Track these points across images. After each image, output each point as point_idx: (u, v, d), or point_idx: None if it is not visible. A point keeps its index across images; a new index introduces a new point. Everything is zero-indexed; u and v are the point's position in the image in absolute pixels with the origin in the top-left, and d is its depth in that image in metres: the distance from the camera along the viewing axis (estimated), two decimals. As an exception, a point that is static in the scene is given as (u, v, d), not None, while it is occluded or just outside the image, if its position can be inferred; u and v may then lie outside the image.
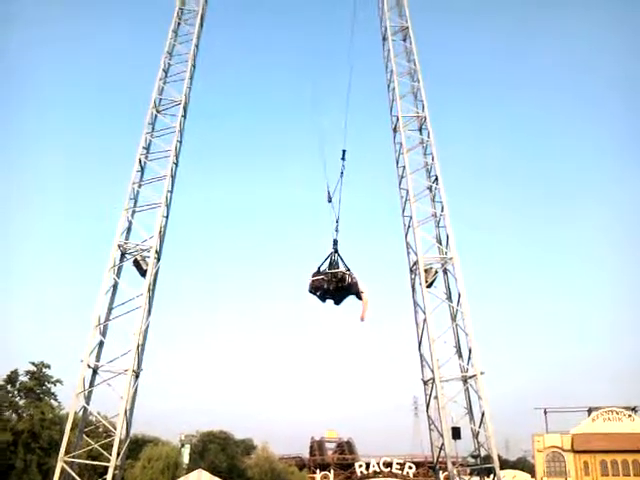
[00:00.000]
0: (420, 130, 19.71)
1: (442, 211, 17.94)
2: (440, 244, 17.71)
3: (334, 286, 8.86)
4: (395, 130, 19.85)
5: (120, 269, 17.31)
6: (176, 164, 19.17)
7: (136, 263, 17.14)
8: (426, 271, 16.84)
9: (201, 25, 22.06)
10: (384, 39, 21.72)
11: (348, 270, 9.06)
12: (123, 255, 17.54)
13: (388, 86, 20.84)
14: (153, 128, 19.74)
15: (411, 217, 17.94)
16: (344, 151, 11.13)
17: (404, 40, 21.58)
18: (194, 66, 21.18)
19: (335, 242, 9.75)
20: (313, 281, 8.98)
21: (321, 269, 9.23)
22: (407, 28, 21.55)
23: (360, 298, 8.89)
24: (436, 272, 17.08)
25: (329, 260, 9.34)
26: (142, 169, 18.89)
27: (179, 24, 21.96)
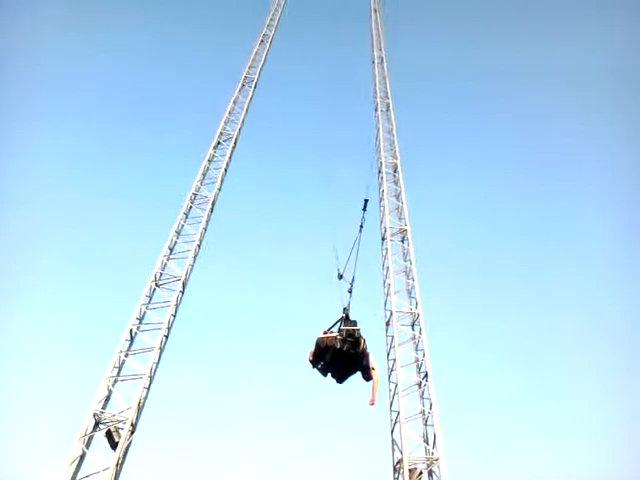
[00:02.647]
0: (412, 326, 19.88)
1: (430, 409, 17.46)
2: (427, 443, 16.98)
3: (347, 347, 7.45)
4: (388, 324, 20.05)
5: (91, 439, 16.47)
6: (167, 337, 19.15)
7: (108, 434, 16.33)
8: (410, 471, 15.95)
9: (211, 210, 23.38)
10: (383, 239, 22.85)
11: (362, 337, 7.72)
12: (97, 424, 16.79)
13: (384, 282, 21.49)
14: (150, 300, 20.03)
15: (399, 413, 17.41)
16: (366, 201, 10.35)
17: (402, 241, 22.68)
18: (199, 246, 22.05)
19: (345, 309, 8.47)
20: (322, 339, 7.45)
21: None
22: (406, 230, 22.77)
23: (369, 377, 7.57)
24: (421, 473, 16.16)
25: (338, 326, 8.00)
26: (132, 339, 18.82)
27: (191, 207, 23.28)
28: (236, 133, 25.94)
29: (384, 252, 22.51)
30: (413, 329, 19.84)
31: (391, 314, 20.07)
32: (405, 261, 21.94)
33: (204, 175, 24.60)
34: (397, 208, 23.95)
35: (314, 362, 7.57)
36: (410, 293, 20.80)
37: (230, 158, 25.59)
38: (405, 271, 21.58)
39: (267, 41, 29.21)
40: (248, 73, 27.77)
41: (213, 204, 23.60)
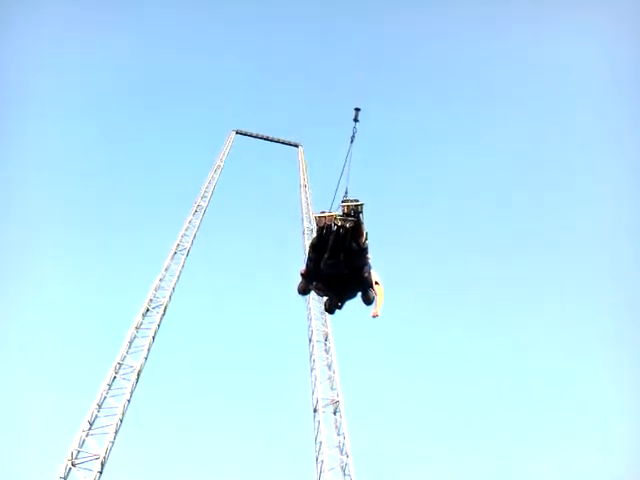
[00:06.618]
0: (348, 506, 18.96)
1: None
2: None
3: (350, 225, 6.28)
4: (322, 505, 19.06)
5: None
6: (81, 526, 17.38)
7: None
8: None
9: (137, 380, 22.34)
10: (315, 410, 22.33)
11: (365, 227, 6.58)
12: None
13: (316, 458, 20.67)
14: (64, 483, 18.35)
15: None
16: (357, 110, 9.32)
17: (334, 413, 22.19)
18: (121, 420, 20.77)
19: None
20: (320, 218, 6.30)
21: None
22: (338, 402, 22.37)
23: (369, 299, 6.56)
24: None
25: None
26: (40, 529, 16.95)
27: (114, 378, 22.13)
28: (166, 300, 25.60)
29: (316, 424, 21.89)
30: (349, 510, 18.92)
31: (325, 494, 19.15)
32: (338, 435, 21.32)
33: (130, 343, 23.76)
34: (329, 378, 23.71)
35: (306, 280, 6.56)
36: (344, 471, 20.01)
37: (159, 326, 25.02)
38: (338, 446, 20.91)
39: (201, 211, 29.98)
40: (181, 241, 28.07)
41: (139, 374, 22.63)
